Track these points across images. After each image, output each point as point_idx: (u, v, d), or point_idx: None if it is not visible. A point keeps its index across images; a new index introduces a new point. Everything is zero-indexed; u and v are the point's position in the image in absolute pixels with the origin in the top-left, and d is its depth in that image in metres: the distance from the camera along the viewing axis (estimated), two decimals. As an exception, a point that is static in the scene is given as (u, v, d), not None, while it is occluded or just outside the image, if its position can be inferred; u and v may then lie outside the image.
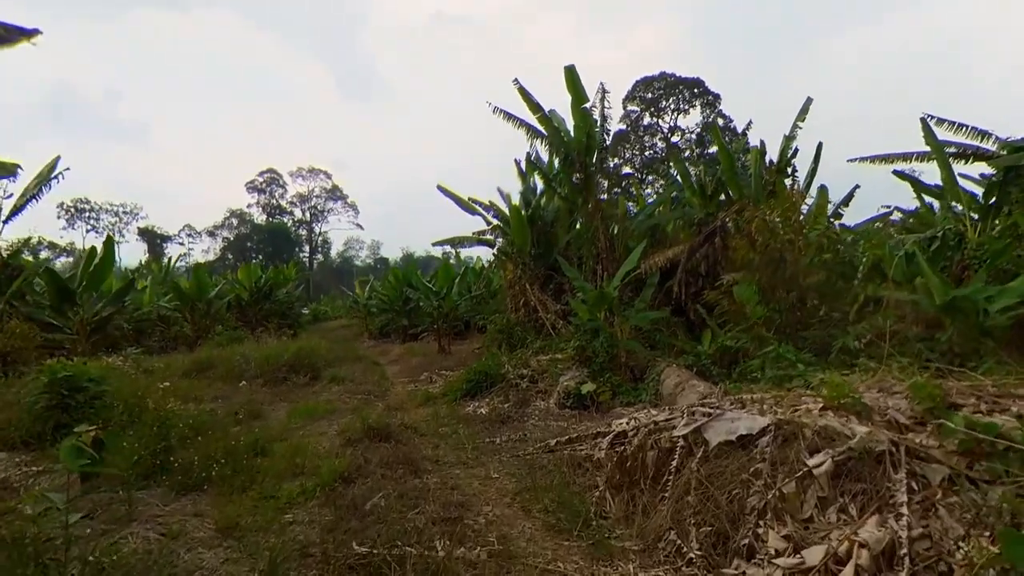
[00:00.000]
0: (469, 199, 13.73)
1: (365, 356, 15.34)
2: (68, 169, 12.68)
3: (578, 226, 12.07)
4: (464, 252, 25.33)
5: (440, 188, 13.00)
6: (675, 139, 39.19)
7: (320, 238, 63.88)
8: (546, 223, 12.50)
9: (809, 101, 11.11)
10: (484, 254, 30.74)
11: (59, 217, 53.49)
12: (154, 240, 57.26)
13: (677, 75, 38.69)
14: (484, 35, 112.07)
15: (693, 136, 37.94)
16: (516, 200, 13.25)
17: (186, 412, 6.17)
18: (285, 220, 61.81)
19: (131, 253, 54.60)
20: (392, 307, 20.36)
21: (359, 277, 35.08)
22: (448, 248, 13.36)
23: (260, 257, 51.66)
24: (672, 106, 39.22)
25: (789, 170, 11.31)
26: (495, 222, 13.54)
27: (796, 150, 11.26)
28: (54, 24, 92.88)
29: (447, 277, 16.28)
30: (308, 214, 62.43)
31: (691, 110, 38.80)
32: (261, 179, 61.01)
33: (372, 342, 20.73)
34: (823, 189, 10.63)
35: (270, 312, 22.28)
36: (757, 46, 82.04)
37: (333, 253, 66.39)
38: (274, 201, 61.85)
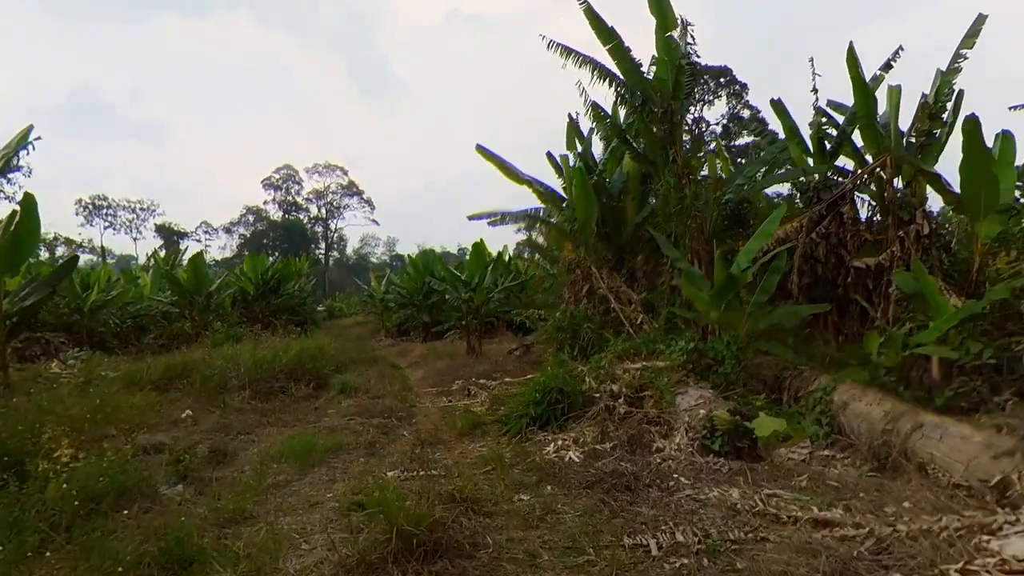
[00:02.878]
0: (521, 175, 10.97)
1: (382, 358, 13.07)
2: (40, 139, 10.70)
3: (655, 195, 9.38)
4: (490, 244, 22.65)
5: (479, 148, 10.40)
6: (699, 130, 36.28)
7: (336, 235, 62.50)
8: (613, 194, 9.81)
9: (981, 19, 8.20)
10: (511, 244, 28.23)
11: (77, 214, 53.72)
12: (171, 236, 56.68)
13: (702, 63, 35.43)
14: (499, 32, 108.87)
15: (720, 128, 34.93)
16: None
17: (91, 464, 3.68)
18: (301, 217, 60.62)
19: (148, 250, 54.18)
20: (412, 301, 18.07)
21: (375, 272, 32.74)
22: (485, 223, 10.74)
23: (276, 254, 50.32)
24: (696, 96, 36.23)
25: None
26: (544, 196, 10.87)
27: (955, 91, 8.37)
28: (77, 27, 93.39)
29: (479, 263, 13.69)
30: (324, 210, 60.97)
31: (716, 101, 35.88)
32: (277, 176, 59.98)
33: (390, 341, 18.51)
34: (1008, 136, 7.73)
35: (279, 307, 19.99)
36: (781, 36, 77.41)
37: (349, 250, 64.99)
38: (290, 198, 60.73)
